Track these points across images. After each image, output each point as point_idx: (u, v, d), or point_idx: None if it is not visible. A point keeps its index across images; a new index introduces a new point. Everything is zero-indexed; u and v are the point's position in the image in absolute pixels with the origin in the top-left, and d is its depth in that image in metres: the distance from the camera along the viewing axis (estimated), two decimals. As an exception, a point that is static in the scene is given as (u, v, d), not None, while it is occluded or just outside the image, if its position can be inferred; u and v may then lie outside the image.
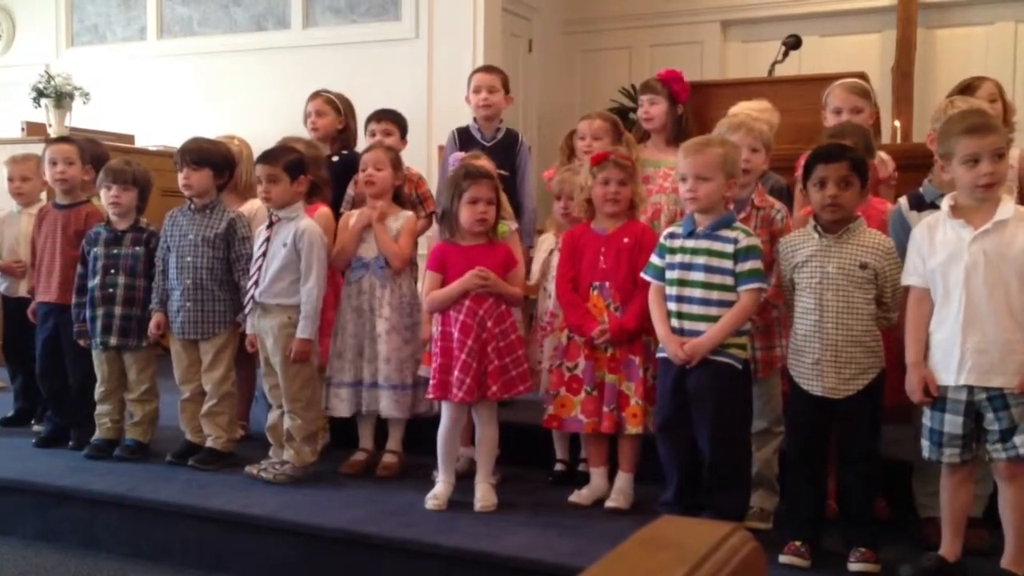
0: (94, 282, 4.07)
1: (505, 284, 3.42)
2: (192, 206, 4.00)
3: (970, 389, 2.72)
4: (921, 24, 7.07)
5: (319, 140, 4.45)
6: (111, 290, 4.05)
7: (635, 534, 0.97)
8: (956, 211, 2.76)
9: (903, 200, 3.21)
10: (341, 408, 3.83)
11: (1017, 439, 2.66)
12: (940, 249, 2.77)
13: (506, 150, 4.41)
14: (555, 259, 3.67)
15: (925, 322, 2.81)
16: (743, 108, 3.71)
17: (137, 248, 4.09)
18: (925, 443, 2.82)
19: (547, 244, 3.82)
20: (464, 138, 4.47)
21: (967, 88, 3.81)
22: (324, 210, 3.95)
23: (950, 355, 2.74)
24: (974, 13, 7.15)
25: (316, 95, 4.62)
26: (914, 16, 6.98)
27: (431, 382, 3.41)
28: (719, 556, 0.94)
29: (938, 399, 2.77)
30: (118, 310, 4.04)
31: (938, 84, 6.64)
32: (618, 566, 0.86)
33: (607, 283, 3.37)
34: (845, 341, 2.89)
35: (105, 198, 4.08)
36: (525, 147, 4.53)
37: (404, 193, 4.04)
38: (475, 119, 4.52)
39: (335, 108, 4.57)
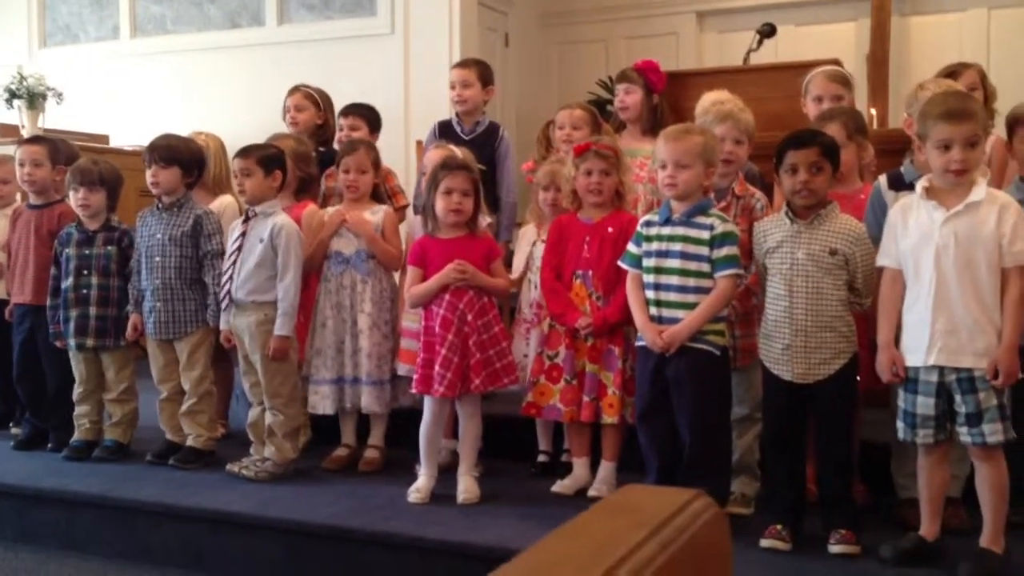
0: (67, 283, 4.03)
1: (485, 277, 3.41)
2: (160, 205, 3.97)
3: (941, 370, 2.73)
4: (895, 12, 7.10)
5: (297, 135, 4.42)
6: (85, 291, 4.01)
7: (599, 502, 0.96)
8: (930, 192, 2.77)
9: (883, 178, 3.20)
10: (324, 405, 3.79)
11: (986, 427, 2.67)
12: (913, 231, 2.77)
13: (485, 143, 4.41)
14: (537, 250, 3.66)
15: (897, 303, 2.82)
16: (709, 99, 3.64)
17: (109, 248, 4.05)
18: (900, 425, 2.84)
19: (529, 236, 3.81)
20: (445, 131, 4.47)
21: (950, 75, 3.78)
22: (312, 208, 3.94)
23: (920, 336, 2.74)
24: (948, 0, 7.18)
25: (296, 89, 4.62)
26: (888, 4, 7.00)
27: (415, 376, 3.40)
28: (679, 521, 0.94)
29: (910, 380, 2.79)
30: (93, 311, 4.01)
31: (913, 71, 6.65)
32: (579, 531, 0.86)
33: (590, 272, 3.36)
34: (815, 327, 2.89)
35: (74, 200, 4.04)
36: (506, 141, 4.51)
37: (380, 189, 4.03)
38: (456, 113, 4.53)
39: (315, 103, 4.58)
